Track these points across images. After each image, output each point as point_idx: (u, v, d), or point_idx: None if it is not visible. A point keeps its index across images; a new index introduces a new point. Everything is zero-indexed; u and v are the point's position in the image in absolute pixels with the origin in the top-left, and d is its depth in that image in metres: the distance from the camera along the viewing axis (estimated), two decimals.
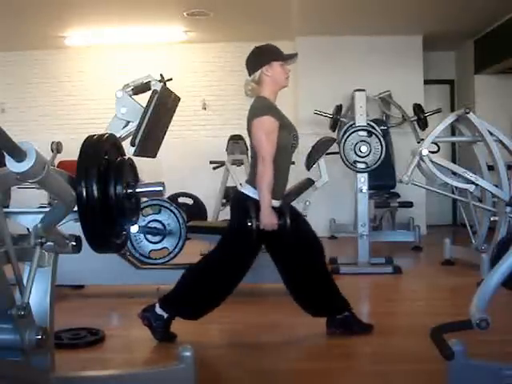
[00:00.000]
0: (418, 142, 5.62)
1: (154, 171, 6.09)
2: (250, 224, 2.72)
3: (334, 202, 7.10)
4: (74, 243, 1.89)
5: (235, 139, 6.09)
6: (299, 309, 3.08)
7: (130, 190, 1.74)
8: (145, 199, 4.01)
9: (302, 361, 2.87)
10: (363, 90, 5.20)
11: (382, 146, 4.87)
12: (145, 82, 3.99)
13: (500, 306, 2.69)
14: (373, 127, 4.95)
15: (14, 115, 7.67)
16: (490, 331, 2.01)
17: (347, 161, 4.94)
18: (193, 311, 2.98)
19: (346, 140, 4.91)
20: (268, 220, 2.73)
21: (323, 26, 6.93)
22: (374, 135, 4.91)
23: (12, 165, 1.33)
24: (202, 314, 2.97)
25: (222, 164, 6.11)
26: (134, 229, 3.94)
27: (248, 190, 2.86)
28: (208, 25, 6.88)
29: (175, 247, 4.14)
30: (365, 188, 5.04)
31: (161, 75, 4.11)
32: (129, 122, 3.94)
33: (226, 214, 6.12)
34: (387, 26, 6.89)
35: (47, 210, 1.90)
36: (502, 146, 4.69)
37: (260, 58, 2.92)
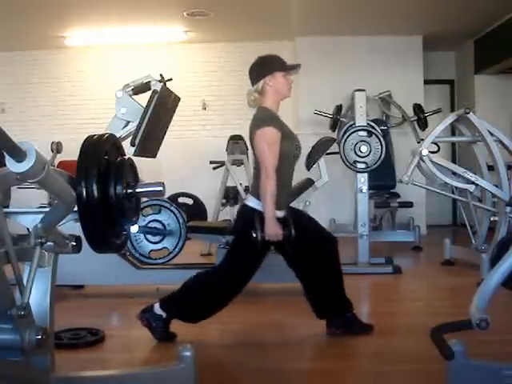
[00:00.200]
0: (418, 142, 5.62)
1: (154, 171, 6.08)
2: (255, 235, 2.75)
3: (334, 202, 7.10)
4: (74, 243, 1.89)
5: (235, 139, 6.09)
6: (299, 309, 3.08)
7: (129, 190, 1.74)
8: (145, 199, 4.01)
9: (303, 361, 2.87)
10: (363, 90, 5.20)
11: (382, 146, 4.87)
12: (145, 82, 3.99)
13: (500, 306, 2.69)
14: (373, 127, 4.95)
15: (14, 115, 7.67)
16: (489, 331, 2.01)
17: (347, 161, 4.95)
18: (194, 315, 3.01)
19: (346, 140, 4.92)
20: (273, 231, 2.75)
21: (323, 26, 6.93)
22: (373, 135, 4.91)
23: (12, 165, 1.33)
24: (202, 319, 3.00)
25: (222, 164, 6.10)
26: (134, 229, 3.94)
27: (252, 202, 2.87)
28: (208, 25, 6.88)
29: (175, 247, 4.14)
30: (365, 188, 5.05)
31: (161, 75, 4.11)
32: (129, 122, 3.94)
33: (225, 214, 6.16)
34: (387, 26, 6.89)
35: (47, 210, 1.90)
36: (502, 146, 4.69)
37: (263, 69, 2.91)
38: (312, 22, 6.75)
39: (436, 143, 5.16)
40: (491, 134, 4.60)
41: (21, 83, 7.77)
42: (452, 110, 7.70)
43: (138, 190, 1.78)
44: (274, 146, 2.78)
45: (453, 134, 6.62)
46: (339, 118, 6.29)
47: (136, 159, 1.99)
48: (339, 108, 6.42)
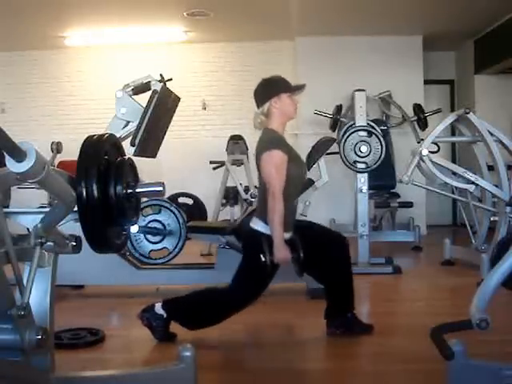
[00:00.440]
0: (418, 142, 5.62)
1: (154, 171, 6.08)
2: (264, 259, 2.73)
3: (333, 202, 7.10)
4: (74, 243, 1.89)
5: (235, 139, 6.09)
6: (299, 309, 3.08)
7: (129, 190, 1.74)
8: (145, 199, 4.01)
9: (303, 361, 2.87)
10: (363, 90, 5.20)
11: (382, 145, 4.87)
12: (145, 82, 4.00)
13: (500, 306, 2.69)
14: (373, 127, 4.95)
15: (14, 115, 7.66)
16: (489, 331, 2.01)
17: (347, 161, 4.94)
18: (192, 324, 3.02)
19: (346, 140, 4.91)
20: (282, 254, 2.73)
21: (323, 26, 6.93)
22: (373, 135, 4.91)
23: (12, 165, 1.33)
24: (198, 329, 3.01)
25: (222, 164, 6.10)
26: (134, 229, 3.94)
27: (259, 226, 2.85)
28: (208, 25, 6.88)
29: (175, 247, 4.14)
30: (365, 188, 5.04)
31: (161, 75, 4.11)
32: (129, 122, 3.94)
33: (225, 214, 6.16)
34: (387, 26, 6.89)
35: (47, 210, 1.89)
36: (502, 146, 4.69)
37: (268, 91, 2.90)
38: (312, 21, 6.76)
39: (436, 143, 5.16)
40: (491, 134, 4.60)
41: (21, 83, 7.76)
42: (452, 110, 7.69)
43: (138, 190, 1.78)
44: (281, 168, 2.76)
45: (453, 134, 6.62)
46: (339, 118, 6.29)
47: (136, 159, 1.99)
48: (339, 108, 6.42)
